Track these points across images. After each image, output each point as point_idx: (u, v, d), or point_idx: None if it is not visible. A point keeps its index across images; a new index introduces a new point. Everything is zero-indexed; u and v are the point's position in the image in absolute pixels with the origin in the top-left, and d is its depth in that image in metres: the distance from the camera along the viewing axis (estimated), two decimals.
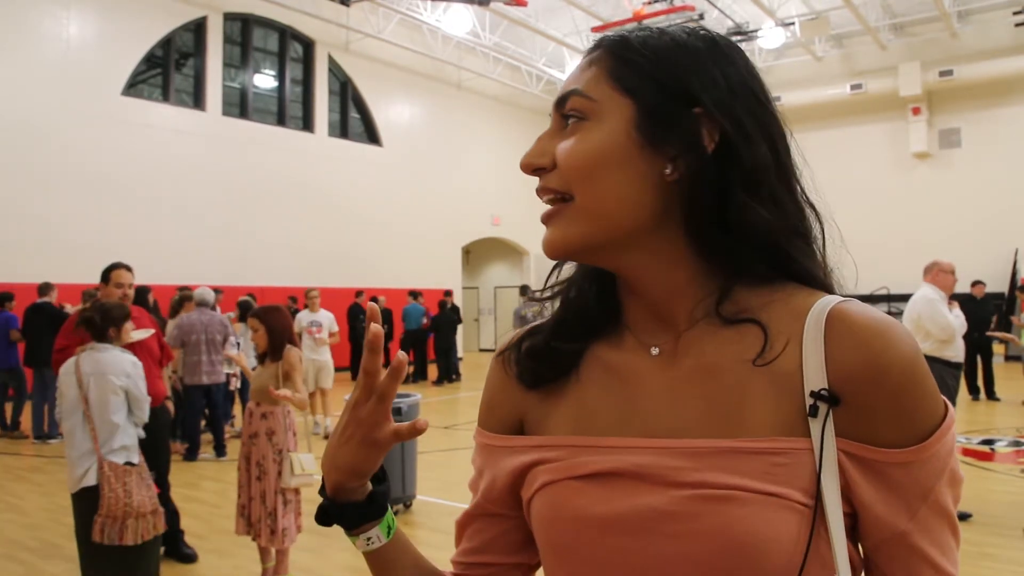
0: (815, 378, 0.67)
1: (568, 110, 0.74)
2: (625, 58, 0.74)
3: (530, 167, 0.76)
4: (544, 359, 0.80)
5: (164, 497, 4.60)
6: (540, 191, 0.75)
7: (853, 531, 0.69)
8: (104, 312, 3.64)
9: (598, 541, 0.70)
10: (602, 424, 0.75)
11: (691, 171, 0.71)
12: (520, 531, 0.83)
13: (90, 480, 3.44)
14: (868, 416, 0.66)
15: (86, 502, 3.43)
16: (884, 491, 0.66)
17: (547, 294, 0.85)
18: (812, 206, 0.76)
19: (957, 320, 5.31)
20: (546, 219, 0.75)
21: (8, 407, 9.17)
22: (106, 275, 4.42)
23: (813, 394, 0.67)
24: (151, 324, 4.58)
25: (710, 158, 0.71)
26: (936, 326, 5.19)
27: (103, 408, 3.50)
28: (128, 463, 3.54)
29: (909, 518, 0.67)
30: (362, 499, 0.79)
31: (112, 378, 3.53)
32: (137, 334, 3.92)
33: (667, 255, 0.74)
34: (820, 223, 0.76)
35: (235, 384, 8.69)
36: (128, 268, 4.47)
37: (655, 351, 0.75)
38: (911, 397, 0.66)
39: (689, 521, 0.66)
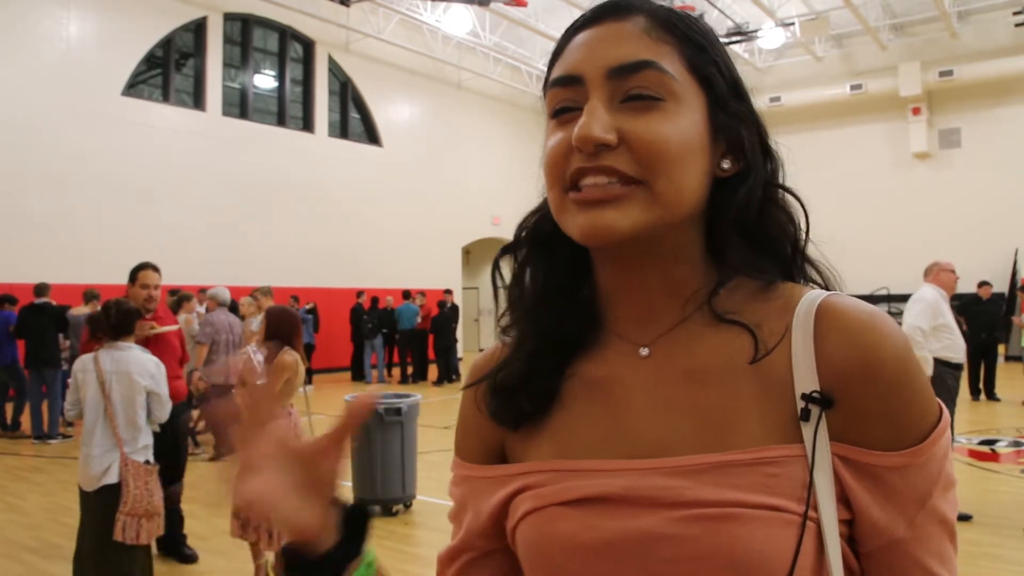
0: (806, 379, 0.64)
1: (640, 85, 0.66)
2: (694, 41, 0.69)
3: (593, 143, 0.64)
4: (523, 394, 0.74)
5: (177, 496, 4.60)
6: (594, 170, 0.65)
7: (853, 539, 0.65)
8: (119, 307, 3.65)
9: (590, 569, 0.66)
10: (587, 445, 0.70)
11: (746, 167, 0.70)
12: (509, 564, 0.77)
13: (112, 478, 3.43)
14: (862, 416, 0.63)
15: (105, 500, 3.43)
16: (880, 497, 0.63)
17: (509, 316, 0.78)
18: (799, 199, 0.74)
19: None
20: (602, 201, 0.65)
21: (8, 407, 9.17)
22: (133, 275, 4.34)
23: (804, 396, 0.63)
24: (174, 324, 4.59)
25: (760, 155, 0.71)
26: (912, 323, 5.11)
27: (129, 407, 3.51)
28: (147, 462, 3.56)
29: (906, 525, 0.63)
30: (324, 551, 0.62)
31: (137, 378, 3.54)
32: (165, 328, 3.92)
33: (683, 247, 0.71)
34: (806, 215, 0.74)
35: None
36: (156, 269, 4.36)
37: (645, 352, 0.71)
38: (905, 393, 0.63)
39: (686, 544, 0.62)
